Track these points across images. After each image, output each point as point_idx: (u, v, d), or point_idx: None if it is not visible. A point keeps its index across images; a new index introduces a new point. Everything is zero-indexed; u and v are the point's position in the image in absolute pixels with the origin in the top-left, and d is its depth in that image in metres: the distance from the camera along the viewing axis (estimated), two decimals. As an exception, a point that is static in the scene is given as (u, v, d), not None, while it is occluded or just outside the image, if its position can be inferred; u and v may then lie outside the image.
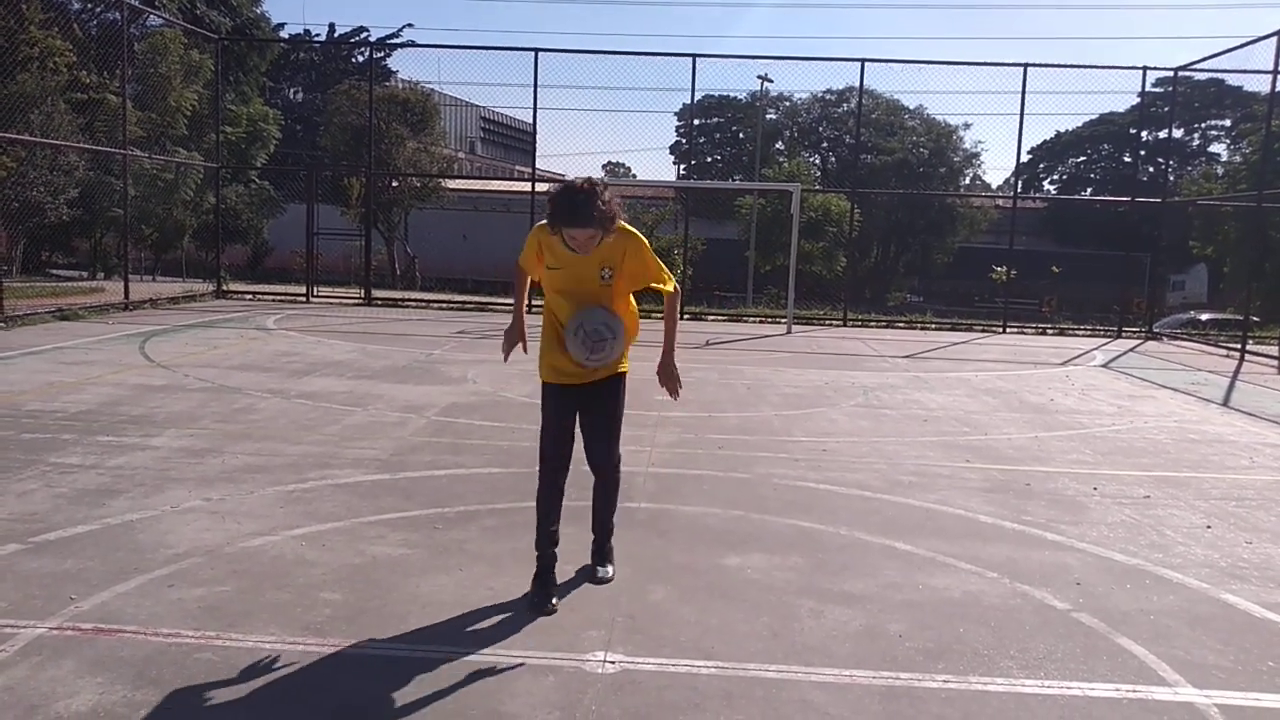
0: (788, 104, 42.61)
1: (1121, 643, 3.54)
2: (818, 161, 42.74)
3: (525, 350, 3.93)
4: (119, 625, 3.34)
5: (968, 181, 40.58)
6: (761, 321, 17.47)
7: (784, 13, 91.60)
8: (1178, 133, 37.88)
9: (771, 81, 33.89)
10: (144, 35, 22.86)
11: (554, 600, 3.70)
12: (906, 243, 38.21)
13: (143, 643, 3.22)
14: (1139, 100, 20.52)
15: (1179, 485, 5.99)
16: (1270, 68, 13.75)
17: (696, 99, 18.27)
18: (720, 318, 17.81)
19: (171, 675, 3.01)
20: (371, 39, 41.87)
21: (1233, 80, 31.30)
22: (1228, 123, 40.62)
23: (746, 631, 3.51)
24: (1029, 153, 46.59)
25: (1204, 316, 22.24)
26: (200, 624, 3.38)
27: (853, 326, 17.26)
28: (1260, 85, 16.82)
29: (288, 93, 44.41)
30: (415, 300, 18.74)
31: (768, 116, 40.71)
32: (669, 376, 3.93)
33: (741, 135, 44.91)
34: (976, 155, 40.12)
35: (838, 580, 4.07)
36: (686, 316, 17.15)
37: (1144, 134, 30.14)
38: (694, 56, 16.68)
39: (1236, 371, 12.26)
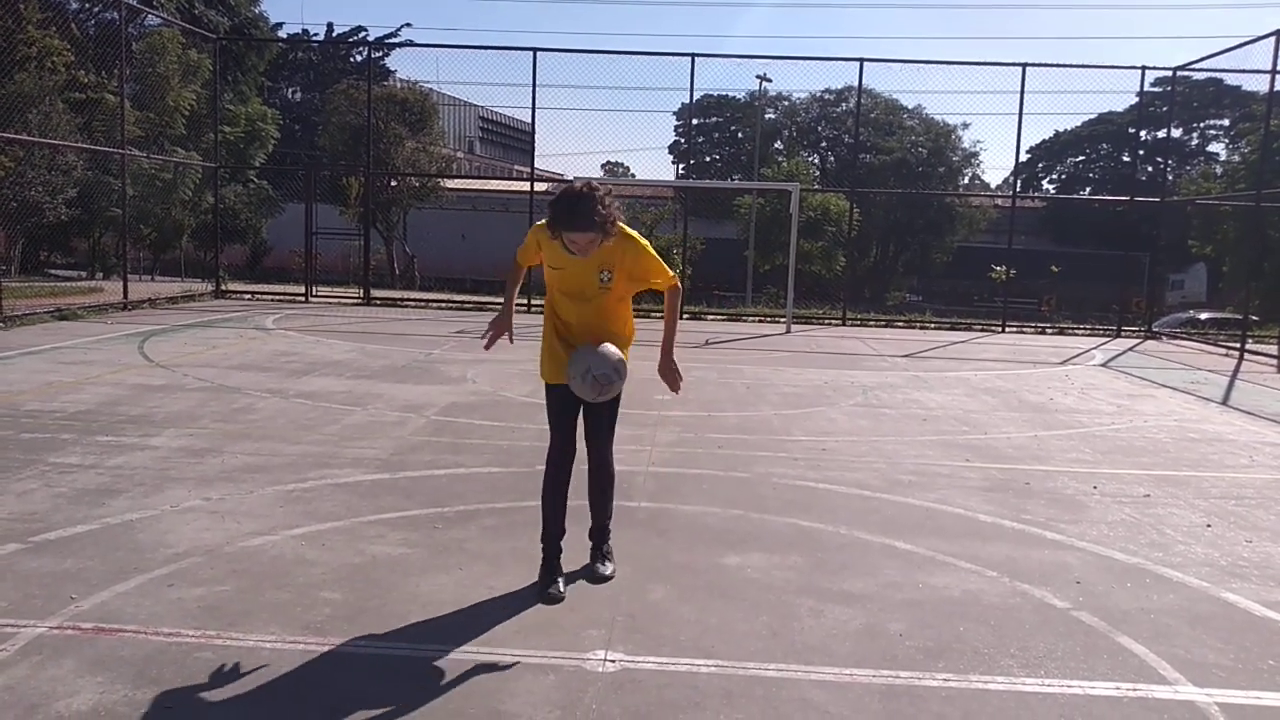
0: (786, 103, 42.62)
1: (1122, 641, 3.54)
2: (816, 161, 42.76)
3: (511, 340, 3.97)
4: (119, 625, 3.34)
5: (967, 181, 40.58)
6: (761, 321, 17.47)
7: (783, 12, 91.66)
8: (1176, 132, 37.90)
9: (770, 81, 33.92)
10: (142, 35, 22.85)
11: (563, 587, 3.80)
12: (905, 242, 38.22)
13: (143, 642, 3.22)
14: (1138, 100, 20.55)
15: (1179, 484, 5.99)
16: (1269, 67, 13.76)
17: (695, 98, 18.25)
18: (719, 317, 17.81)
19: (172, 674, 3.01)
20: (370, 38, 41.86)
21: (1231, 80, 31.27)
22: (1226, 122, 40.65)
23: (746, 630, 3.51)
24: (1028, 152, 46.66)
25: (1203, 316, 22.24)
26: (200, 623, 3.38)
27: (852, 326, 17.27)
28: (1259, 85, 16.83)
29: (286, 92, 44.39)
30: (414, 300, 18.74)
31: (766, 116, 40.70)
32: (669, 372, 3.96)
33: (740, 135, 44.90)
34: (975, 155, 40.18)
35: (837, 579, 4.07)
36: (686, 316, 17.15)
37: (1143, 133, 30.14)
38: (693, 56, 16.66)
39: (1236, 370, 12.27)
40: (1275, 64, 13.52)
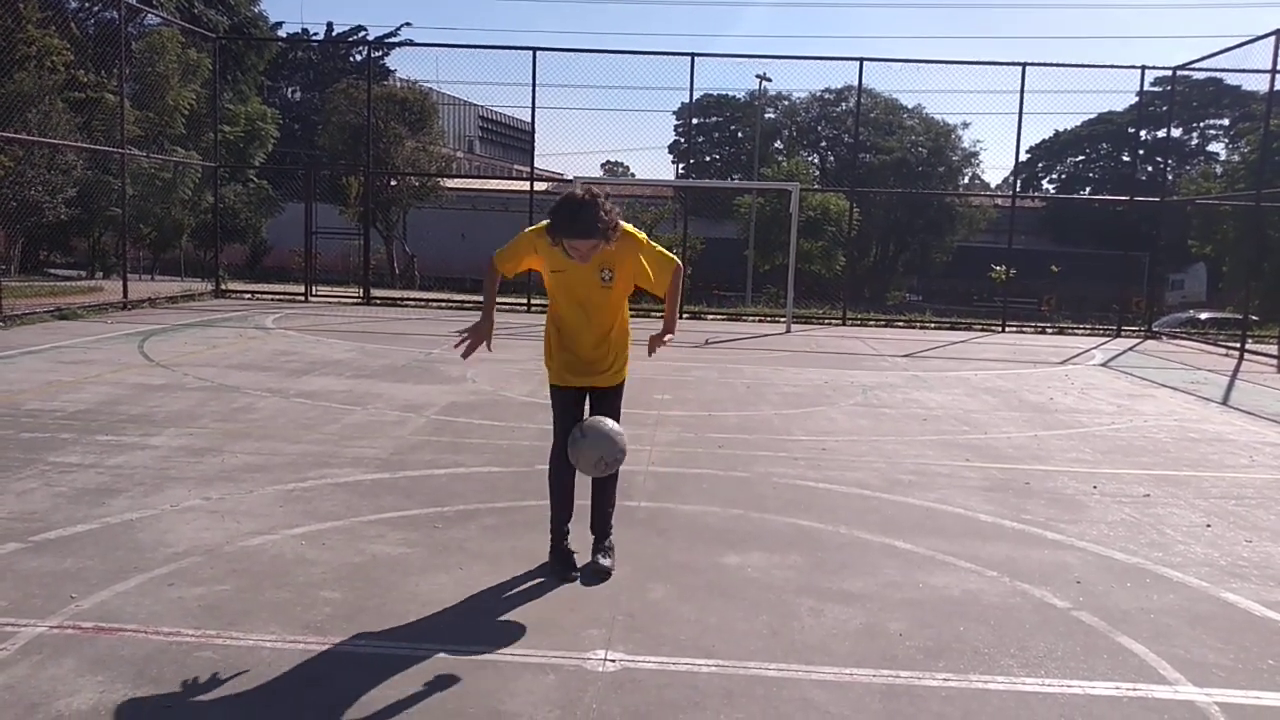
0: (786, 103, 42.59)
1: (1122, 641, 3.54)
2: (816, 161, 42.74)
3: (490, 349, 3.94)
4: (119, 624, 3.34)
5: (966, 181, 40.57)
6: (761, 321, 17.47)
7: (782, 12, 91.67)
8: (1176, 132, 37.88)
9: (770, 80, 33.93)
10: (142, 34, 22.84)
11: (575, 571, 3.93)
12: (905, 242, 38.22)
13: (143, 641, 3.22)
14: (1137, 99, 20.52)
15: (1179, 484, 5.99)
16: (1268, 67, 13.76)
17: (695, 98, 18.23)
18: (719, 317, 17.81)
19: (172, 674, 3.01)
20: (369, 38, 41.85)
21: (1231, 79, 31.23)
22: (1226, 122, 40.65)
23: (746, 630, 3.51)
24: (1028, 152, 46.66)
25: (1203, 315, 22.24)
26: (200, 623, 3.38)
27: (852, 325, 17.26)
28: (1259, 84, 16.83)
29: (286, 92, 44.37)
30: (414, 299, 18.74)
31: (766, 115, 40.69)
32: (657, 339, 3.98)
33: (740, 134, 44.88)
34: (975, 154, 40.15)
35: (837, 579, 4.07)
36: (686, 316, 17.15)
37: (1142, 133, 30.13)
38: (692, 55, 16.65)
39: (1236, 370, 12.27)
40: (1275, 63, 13.53)
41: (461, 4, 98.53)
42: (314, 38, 47.86)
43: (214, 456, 5.67)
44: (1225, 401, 9.62)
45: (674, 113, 39.24)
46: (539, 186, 18.57)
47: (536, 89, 16.70)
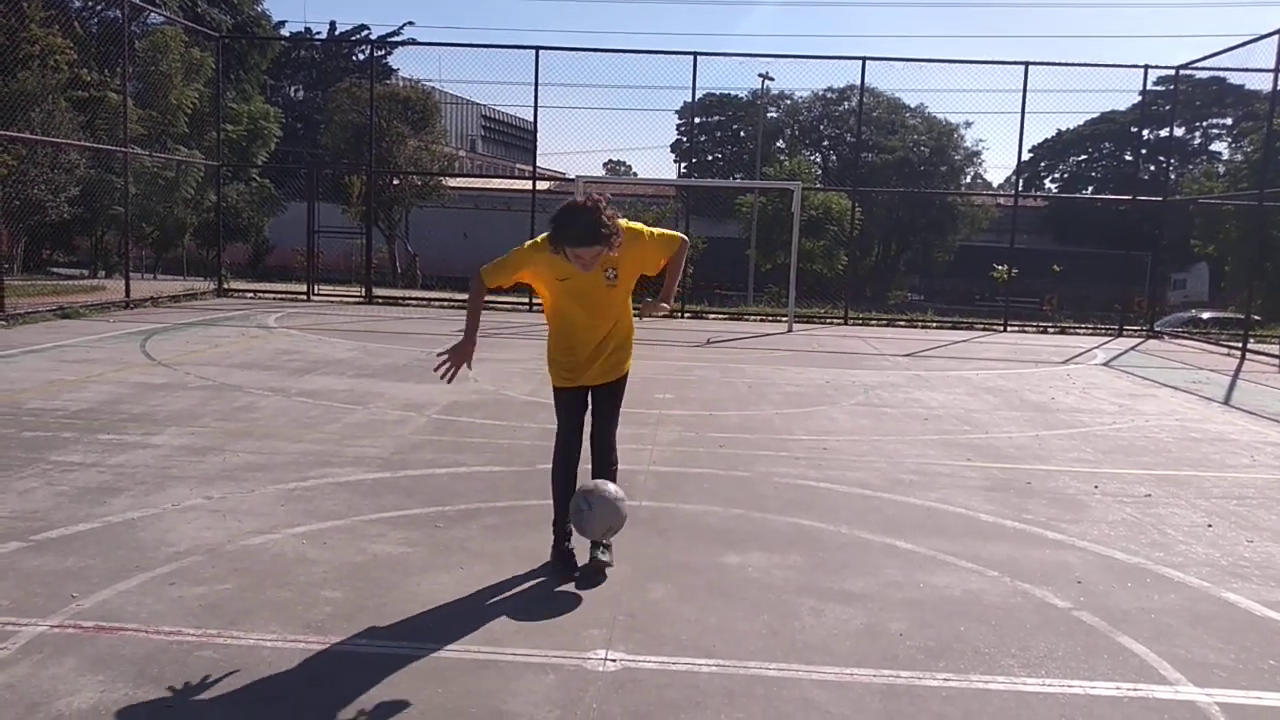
0: (789, 102, 42.58)
1: (1122, 641, 3.54)
2: (819, 160, 42.70)
3: (470, 369, 3.90)
4: (120, 623, 3.34)
5: (969, 180, 40.56)
6: (762, 320, 17.46)
7: (785, 11, 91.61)
8: (1179, 131, 37.85)
9: (772, 80, 33.91)
10: (145, 33, 22.87)
11: (576, 571, 3.96)
12: (907, 241, 38.20)
13: (144, 641, 3.22)
14: (1140, 99, 20.57)
15: (1180, 484, 5.98)
16: (1272, 66, 13.73)
17: (697, 97, 18.26)
18: (721, 316, 17.81)
19: (173, 673, 3.01)
20: (372, 37, 41.88)
21: (1234, 79, 31.24)
22: (1229, 121, 40.61)
23: (747, 630, 3.51)
24: (1030, 151, 46.58)
25: (1205, 315, 22.22)
26: (201, 622, 3.38)
27: (853, 325, 17.26)
28: (1262, 84, 16.84)
29: (288, 91, 44.43)
30: (416, 298, 18.75)
31: (769, 115, 40.67)
32: (652, 305, 4.02)
33: (742, 133, 44.86)
34: (977, 153, 40.16)
35: (838, 579, 4.07)
36: (687, 315, 17.17)
37: (1145, 132, 30.11)
38: (695, 55, 16.64)
39: (1238, 370, 12.25)
40: (1278, 63, 13.50)
41: (464, 3, 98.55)
42: (317, 37, 47.96)
43: (215, 455, 5.68)
44: (1227, 401, 9.61)
45: (676, 112, 39.32)
46: (541, 186, 18.58)
47: (539, 88, 16.73)
